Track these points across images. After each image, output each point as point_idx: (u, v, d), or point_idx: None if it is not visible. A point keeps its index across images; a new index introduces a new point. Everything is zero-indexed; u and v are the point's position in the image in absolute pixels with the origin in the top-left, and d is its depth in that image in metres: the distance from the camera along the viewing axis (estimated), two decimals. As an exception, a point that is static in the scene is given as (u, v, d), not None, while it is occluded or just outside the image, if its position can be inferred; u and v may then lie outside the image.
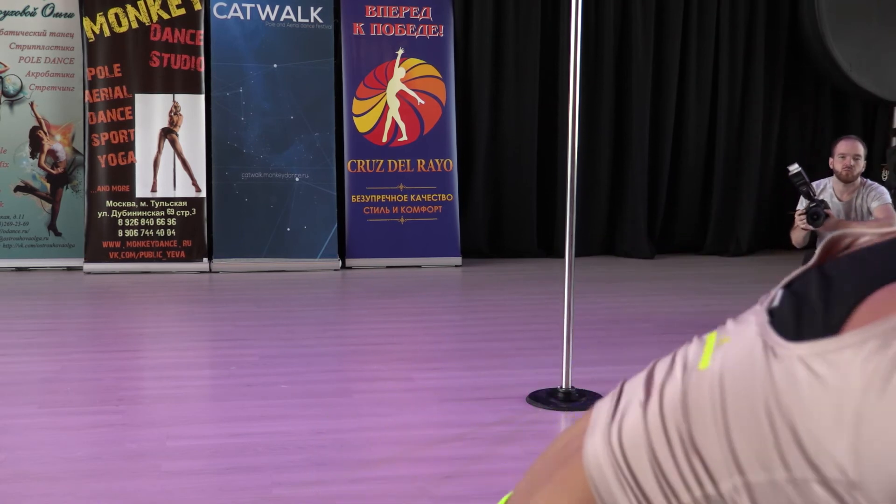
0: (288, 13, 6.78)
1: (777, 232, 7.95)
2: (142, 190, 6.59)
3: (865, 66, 7.44)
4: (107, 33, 6.54)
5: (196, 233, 6.62)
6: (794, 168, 4.83)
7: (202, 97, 6.65)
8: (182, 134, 6.64)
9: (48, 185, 6.62)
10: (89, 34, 6.52)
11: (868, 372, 0.52)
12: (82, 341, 4.69)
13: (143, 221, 6.57)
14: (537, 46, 7.28)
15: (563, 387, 3.71)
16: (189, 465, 2.99)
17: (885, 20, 7.48)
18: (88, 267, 6.47)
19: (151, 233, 6.57)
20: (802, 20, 7.51)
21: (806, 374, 0.54)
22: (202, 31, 6.66)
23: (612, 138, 7.52)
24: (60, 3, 6.60)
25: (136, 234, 6.55)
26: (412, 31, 6.96)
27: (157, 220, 6.59)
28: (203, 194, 6.64)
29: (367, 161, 6.88)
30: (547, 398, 3.70)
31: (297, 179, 6.75)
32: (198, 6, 6.64)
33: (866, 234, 0.64)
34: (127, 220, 6.55)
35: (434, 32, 6.98)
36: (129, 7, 6.56)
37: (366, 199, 6.87)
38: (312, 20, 6.82)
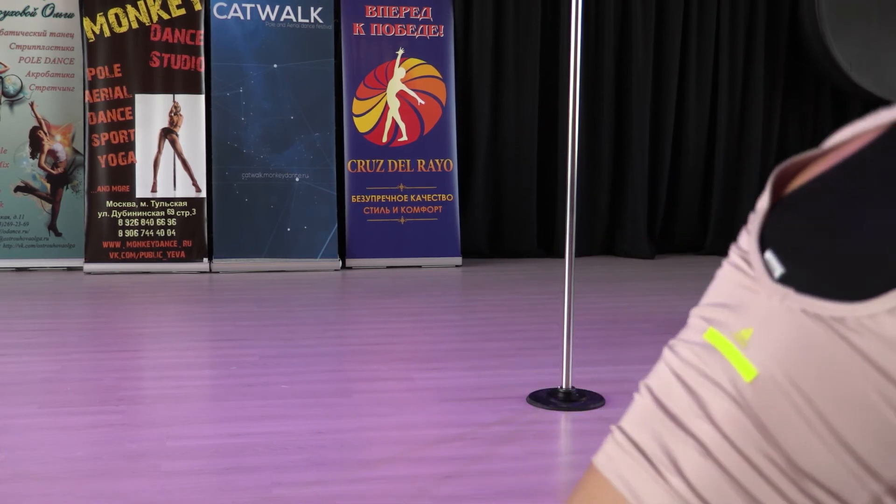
0: (288, 13, 6.78)
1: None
2: (142, 190, 6.59)
3: (865, 66, 7.44)
4: (107, 33, 6.54)
5: (196, 233, 6.62)
6: None
7: (202, 97, 6.65)
8: (182, 134, 6.64)
9: (48, 186, 6.62)
10: (89, 34, 6.52)
11: None
12: (82, 341, 4.69)
13: (143, 221, 6.57)
14: (537, 46, 7.28)
15: (564, 387, 3.71)
16: (189, 465, 2.99)
17: (885, 20, 7.48)
18: (88, 267, 6.47)
19: (151, 233, 6.57)
20: (802, 20, 7.51)
21: None
22: (202, 32, 6.66)
23: (612, 138, 7.52)
24: (60, 4, 6.60)
25: (137, 235, 6.55)
26: (412, 32, 6.96)
27: (158, 220, 6.59)
28: (203, 194, 6.64)
29: (368, 161, 6.88)
30: (547, 398, 3.70)
31: (297, 179, 6.75)
32: (198, 6, 6.64)
33: (815, 156, 0.55)
34: (127, 221, 6.55)
35: (434, 32, 6.98)
36: (129, 7, 6.56)
37: (366, 199, 6.87)
38: (312, 20, 6.82)
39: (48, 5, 6.58)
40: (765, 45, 7.68)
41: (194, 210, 6.63)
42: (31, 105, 6.58)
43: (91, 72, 6.52)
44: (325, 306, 5.65)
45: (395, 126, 6.93)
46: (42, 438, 3.24)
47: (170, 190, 6.61)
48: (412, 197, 6.92)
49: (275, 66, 6.75)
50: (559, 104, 7.27)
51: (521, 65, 7.28)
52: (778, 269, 0.51)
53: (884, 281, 0.46)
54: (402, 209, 6.92)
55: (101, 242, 6.50)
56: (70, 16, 6.60)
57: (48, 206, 6.62)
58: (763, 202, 0.56)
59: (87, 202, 6.52)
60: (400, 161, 6.92)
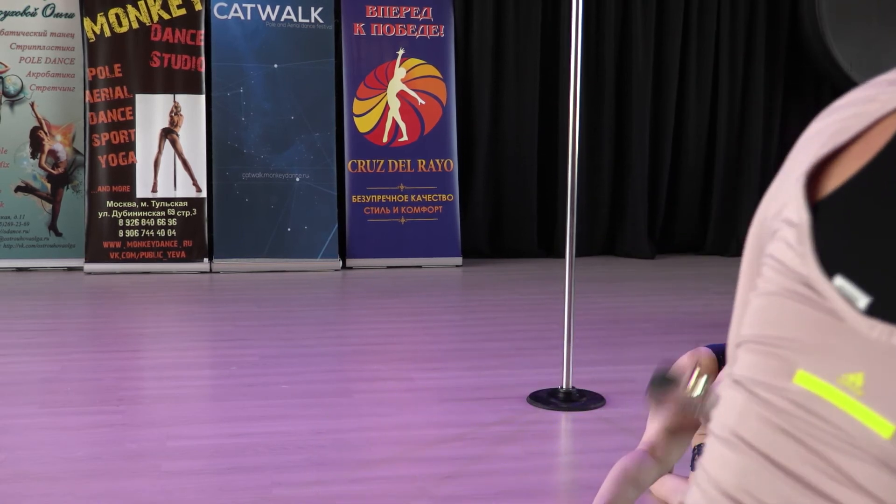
0: (288, 13, 6.78)
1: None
2: (142, 190, 6.59)
3: (865, 66, 7.43)
4: (107, 33, 6.54)
5: (196, 233, 6.62)
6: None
7: (202, 97, 6.66)
8: (182, 134, 6.64)
9: (49, 186, 6.62)
10: (90, 34, 6.52)
11: None
12: (82, 341, 4.69)
13: (143, 222, 6.57)
14: (537, 46, 7.28)
15: (564, 387, 3.71)
16: (189, 465, 3.00)
17: (885, 20, 7.48)
18: (89, 267, 6.47)
19: (152, 233, 6.57)
20: (802, 20, 7.51)
21: None
22: (202, 32, 6.66)
23: (612, 138, 7.52)
24: (61, 4, 6.60)
25: (137, 235, 6.55)
26: (413, 32, 6.96)
27: (158, 220, 6.59)
28: (203, 194, 6.65)
29: (368, 161, 6.88)
30: (547, 398, 3.70)
31: (297, 180, 6.75)
32: (198, 6, 6.64)
33: (839, 149, 0.50)
34: (127, 221, 6.55)
35: (434, 32, 6.98)
36: (129, 7, 6.56)
37: (366, 199, 6.87)
38: (313, 20, 6.82)
39: (48, 5, 6.58)
40: (765, 45, 7.67)
41: (194, 210, 6.63)
42: (32, 105, 6.58)
43: (91, 72, 6.53)
44: (325, 306, 5.65)
45: (395, 126, 6.93)
46: (42, 438, 3.24)
47: (170, 190, 6.62)
48: (412, 197, 6.93)
49: (275, 66, 6.75)
50: (559, 104, 7.27)
51: (521, 65, 7.28)
52: (862, 299, 0.45)
53: None
54: (403, 209, 6.92)
55: (101, 242, 6.50)
56: (70, 16, 6.60)
57: (48, 207, 6.62)
58: (798, 212, 0.49)
59: (88, 202, 6.52)
60: (400, 161, 6.92)
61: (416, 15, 6.96)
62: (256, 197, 6.69)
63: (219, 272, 6.58)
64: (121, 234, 6.53)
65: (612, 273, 6.88)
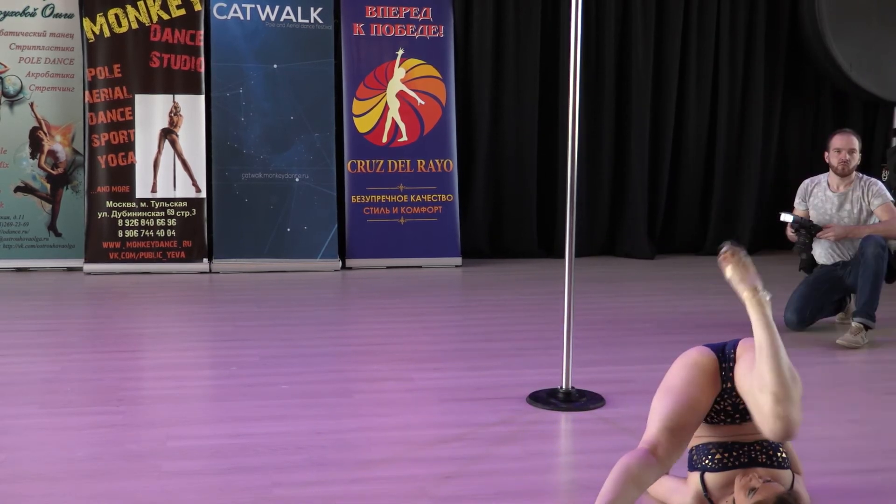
0: (288, 13, 6.78)
1: (777, 232, 7.94)
2: (142, 190, 6.59)
3: (865, 66, 7.43)
4: (107, 34, 6.54)
5: (196, 233, 6.62)
6: (784, 216, 4.96)
7: (202, 97, 6.66)
8: (182, 134, 6.64)
9: (48, 186, 6.62)
10: (89, 35, 6.52)
11: None
12: (82, 342, 4.69)
13: (143, 222, 6.57)
14: (537, 46, 7.28)
15: (564, 387, 3.71)
16: (189, 465, 3.00)
17: (885, 20, 7.48)
18: (88, 267, 6.47)
19: (151, 233, 6.57)
20: (802, 20, 7.51)
21: None
22: (202, 32, 6.66)
23: (612, 138, 7.52)
24: (60, 4, 6.60)
25: (137, 235, 6.55)
26: (412, 32, 6.96)
27: (158, 220, 6.59)
28: (203, 195, 6.64)
29: (368, 161, 6.88)
30: (547, 398, 3.70)
31: (297, 180, 6.75)
32: (198, 7, 6.64)
33: None
34: (127, 221, 6.55)
35: (434, 33, 6.98)
36: (129, 7, 6.56)
37: (366, 199, 6.87)
38: (312, 20, 6.82)
39: (48, 5, 6.58)
40: (765, 45, 7.68)
41: (194, 210, 6.63)
42: (31, 105, 6.58)
43: (91, 72, 6.52)
44: (325, 306, 5.65)
45: (395, 126, 6.93)
46: (42, 439, 3.24)
47: (170, 190, 6.62)
48: (412, 197, 6.93)
49: (275, 66, 6.75)
50: (559, 104, 7.27)
51: (521, 65, 7.27)
52: None
53: None
54: (402, 209, 6.92)
55: (101, 243, 6.50)
56: (70, 16, 6.60)
57: (48, 207, 6.62)
58: None
59: (87, 202, 6.52)
60: (400, 161, 6.92)
61: (416, 15, 6.96)
62: (256, 197, 6.69)
63: (219, 272, 6.58)
64: (120, 234, 6.53)
65: (612, 273, 6.88)
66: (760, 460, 2.48)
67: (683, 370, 2.54)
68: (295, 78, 6.77)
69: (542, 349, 4.46)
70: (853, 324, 4.78)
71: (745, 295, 2.40)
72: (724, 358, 2.54)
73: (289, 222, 6.70)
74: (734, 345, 2.57)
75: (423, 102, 6.95)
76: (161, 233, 6.58)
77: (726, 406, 2.52)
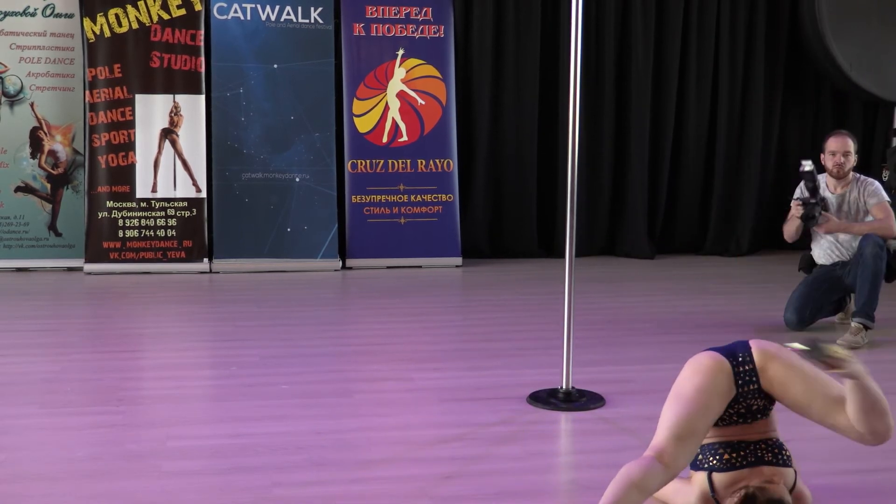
0: (288, 13, 6.78)
1: (777, 232, 7.93)
2: (142, 190, 6.59)
3: (865, 66, 7.43)
4: (107, 34, 6.54)
5: (196, 233, 6.62)
6: (808, 166, 4.83)
7: (202, 97, 6.66)
8: (182, 134, 6.64)
9: (48, 186, 6.62)
10: (89, 35, 6.52)
11: None
12: (83, 342, 4.69)
13: (143, 222, 6.57)
14: (537, 46, 7.28)
15: (564, 387, 3.71)
16: (189, 465, 3.00)
17: (885, 20, 7.48)
18: (89, 267, 6.47)
19: (152, 233, 6.58)
20: (802, 20, 7.51)
21: None
22: (202, 32, 6.66)
23: (612, 138, 7.52)
24: (60, 4, 6.60)
25: (137, 235, 6.56)
26: (412, 32, 6.96)
27: (158, 220, 6.59)
28: (203, 195, 6.65)
29: (368, 161, 6.88)
30: (547, 398, 3.70)
31: (297, 180, 6.75)
32: (198, 7, 6.64)
33: None
34: (127, 221, 6.55)
35: (434, 33, 6.99)
36: (129, 7, 6.56)
37: (366, 199, 6.87)
38: (313, 20, 6.82)
39: (48, 5, 6.58)
40: (765, 45, 7.67)
41: (194, 210, 6.63)
42: (32, 105, 6.58)
43: (91, 72, 6.53)
44: (325, 306, 5.65)
45: (395, 126, 6.93)
46: (42, 439, 3.25)
47: (170, 190, 6.62)
48: (412, 197, 6.93)
49: (275, 66, 6.75)
50: (559, 104, 7.27)
51: (521, 65, 7.27)
52: None
53: None
54: (403, 209, 6.92)
55: (101, 243, 6.51)
56: (70, 16, 6.60)
57: (48, 207, 6.63)
58: None
59: (88, 202, 6.52)
60: (400, 161, 6.93)
61: (416, 15, 6.96)
62: (256, 197, 6.69)
63: (219, 272, 6.58)
64: (121, 234, 6.53)
65: (612, 273, 6.88)
66: (767, 458, 2.49)
67: (695, 376, 2.51)
68: (295, 78, 6.77)
69: (542, 349, 4.46)
70: (852, 324, 4.79)
71: (849, 383, 2.42)
72: (738, 363, 2.52)
73: (289, 222, 6.70)
74: (745, 349, 2.55)
75: (423, 102, 6.95)
76: (161, 233, 6.59)
77: (740, 409, 2.52)
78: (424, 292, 6.06)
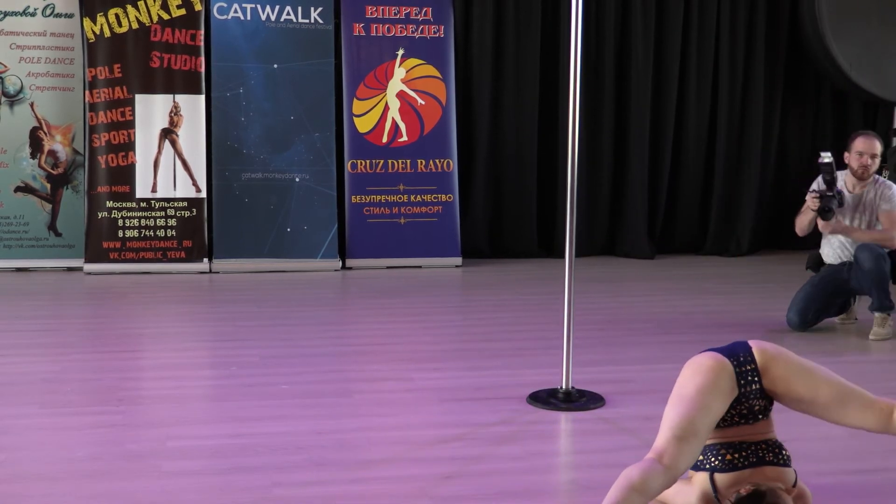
0: (288, 13, 6.78)
1: (777, 232, 7.95)
2: (142, 190, 6.59)
3: (865, 66, 7.43)
4: (107, 34, 6.54)
5: (196, 233, 6.62)
6: (827, 157, 4.80)
7: (202, 97, 6.66)
8: (182, 134, 6.64)
9: (48, 186, 6.62)
10: (89, 34, 6.52)
11: None
12: (83, 342, 4.69)
13: (143, 222, 6.57)
14: (537, 46, 7.28)
15: (564, 387, 3.71)
16: (189, 465, 3.00)
17: (885, 20, 7.48)
18: (88, 267, 6.47)
19: (152, 233, 6.58)
20: (802, 20, 7.51)
21: None
22: (202, 32, 6.66)
23: (612, 138, 7.52)
24: (60, 4, 6.60)
25: (137, 235, 6.55)
26: (412, 32, 6.96)
27: (158, 220, 6.59)
28: (203, 195, 6.65)
29: (368, 161, 6.88)
30: (547, 398, 3.70)
31: (297, 180, 6.75)
32: (198, 6, 6.64)
33: None
34: (127, 221, 6.55)
35: (434, 33, 6.99)
36: (129, 7, 6.56)
37: (366, 199, 6.87)
38: (313, 20, 6.82)
39: (48, 5, 6.58)
40: (765, 45, 7.67)
41: (194, 210, 6.63)
42: (32, 105, 6.58)
43: (91, 72, 6.53)
44: (325, 306, 5.65)
45: (395, 126, 6.93)
46: (42, 439, 3.25)
47: (170, 190, 6.62)
48: (412, 197, 6.93)
49: (275, 66, 6.75)
50: (559, 104, 7.26)
51: (521, 65, 7.27)
52: None
53: None
54: (402, 209, 6.92)
55: (101, 243, 6.50)
56: (70, 16, 6.60)
57: (48, 207, 6.63)
58: None
59: (87, 202, 6.52)
60: (400, 161, 6.93)
61: (416, 15, 6.96)
62: (256, 197, 6.69)
63: (219, 272, 6.58)
64: (120, 234, 6.53)
65: (612, 273, 6.88)
66: (768, 459, 2.49)
67: (697, 377, 2.50)
68: (295, 78, 6.77)
69: (542, 349, 4.46)
70: (875, 315, 4.86)
71: None
72: (740, 363, 2.51)
73: (289, 222, 6.70)
74: (746, 349, 2.54)
75: (423, 102, 6.95)
76: (161, 233, 6.59)
77: (742, 409, 2.51)
78: (424, 292, 6.06)
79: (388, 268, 6.79)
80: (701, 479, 2.53)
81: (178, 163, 6.63)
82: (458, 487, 2.84)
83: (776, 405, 2.59)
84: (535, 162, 7.35)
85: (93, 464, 2.99)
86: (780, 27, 7.71)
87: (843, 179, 5.02)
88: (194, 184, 6.64)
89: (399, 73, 6.94)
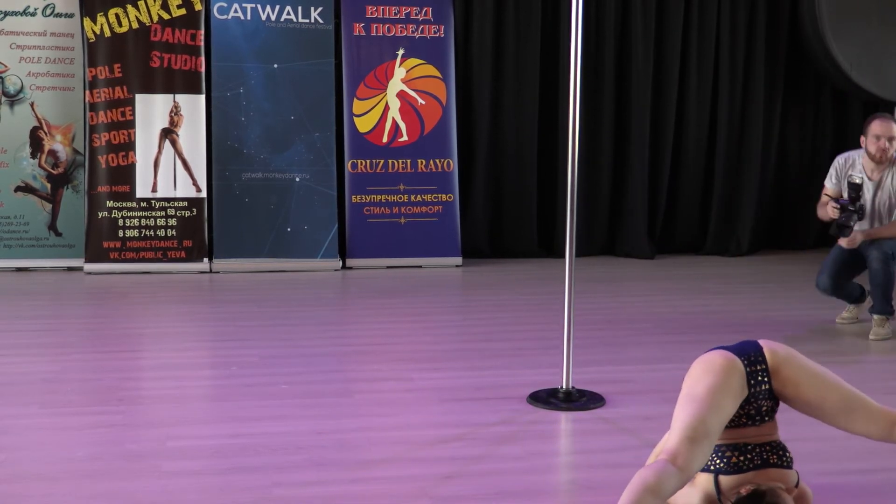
0: (288, 13, 6.78)
1: (777, 232, 7.95)
2: (142, 190, 6.59)
3: (865, 66, 7.43)
4: (107, 33, 6.54)
5: (196, 233, 6.62)
6: (858, 179, 4.79)
7: (202, 97, 6.66)
8: (182, 134, 6.64)
9: (48, 186, 6.62)
10: (90, 34, 6.52)
11: None
12: (83, 341, 4.69)
13: (143, 222, 6.57)
14: (537, 46, 7.28)
15: (564, 387, 3.71)
16: (189, 465, 3.00)
17: (885, 20, 7.48)
18: (89, 267, 6.47)
19: (152, 233, 6.58)
20: (802, 20, 7.51)
21: None
22: (202, 32, 6.66)
23: (612, 138, 7.51)
24: (61, 4, 6.60)
25: (137, 235, 6.56)
26: (412, 32, 6.96)
27: (158, 220, 6.59)
28: (203, 194, 6.65)
29: (368, 161, 6.88)
30: (547, 398, 3.70)
31: (297, 180, 6.75)
32: (198, 6, 6.64)
33: None
34: (127, 221, 6.55)
35: (434, 32, 6.99)
36: (129, 7, 6.56)
37: (366, 199, 6.87)
38: (313, 20, 6.82)
39: (48, 5, 6.58)
40: (765, 45, 7.67)
41: (194, 210, 6.63)
42: (32, 105, 6.58)
43: (91, 72, 6.53)
44: (325, 306, 5.65)
45: (395, 126, 6.93)
46: (42, 439, 3.25)
47: (170, 190, 6.62)
48: (412, 197, 6.93)
49: (275, 66, 6.75)
50: (559, 104, 7.26)
51: (521, 65, 7.27)
52: None
53: None
54: (403, 209, 6.92)
55: (101, 242, 6.50)
56: (70, 16, 6.60)
57: (48, 206, 6.63)
58: None
59: (88, 202, 6.52)
60: (400, 161, 6.93)
61: (416, 15, 6.96)
62: (256, 197, 6.69)
63: (219, 272, 6.58)
64: (121, 234, 6.53)
65: (611, 273, 6.88)
66: (772, 461, 2.48)
67: (707, 376, 2.46)
68: (295, 78, 6.77)
69: (542, 349, 4.46)
70: (874, 317, 4.88)
71: None
72: (751, 362, 2.49)
73: (289, 222, 6.70)
74: (756, 348, 2.52)
75: (423, 102, 6.95)
76: (161, 232, 6.59)
77: (750, 410, 2.49)
78: (424, 292, 6.06)
79: (388, 268, 6.79)
80: (704, 480, 2.52)
81: (179, 162, 6.63)
82: (458, 487, 2.84)
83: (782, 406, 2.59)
84: (535, 162, 7.35)
85: (93, 464, 2.99)
86: (780, 27, 7.71)
87: (862, 164, 4.93)
88: (194, 183, 6.64)
89: (399, 72, 6.94)
